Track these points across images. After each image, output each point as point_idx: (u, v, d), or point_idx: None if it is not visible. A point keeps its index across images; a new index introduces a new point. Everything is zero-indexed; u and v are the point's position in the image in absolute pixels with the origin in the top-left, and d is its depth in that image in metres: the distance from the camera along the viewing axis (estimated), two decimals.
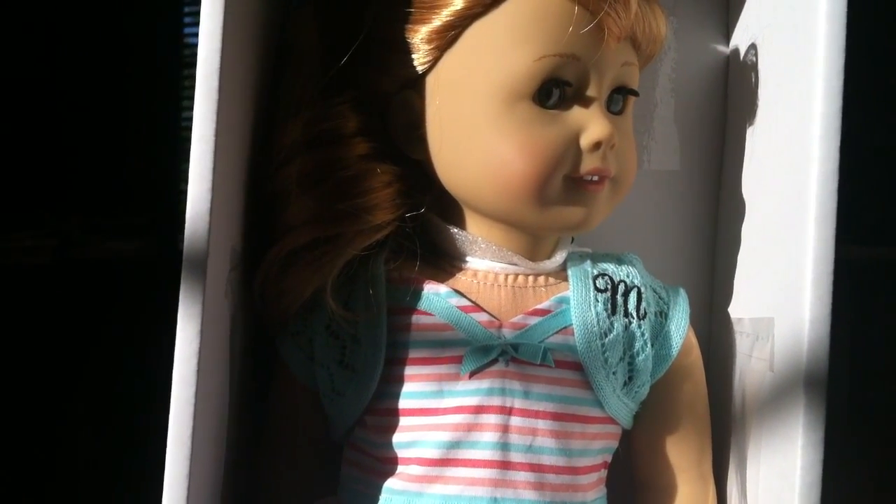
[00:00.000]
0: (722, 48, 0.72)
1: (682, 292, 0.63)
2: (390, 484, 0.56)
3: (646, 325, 0.59)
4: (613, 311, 0.59)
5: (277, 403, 0.61)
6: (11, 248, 1.60)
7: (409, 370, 0.56)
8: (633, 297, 0.60)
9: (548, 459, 0.56)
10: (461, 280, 0.59)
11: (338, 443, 0.61)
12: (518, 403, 0.56)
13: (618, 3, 0.55)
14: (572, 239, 0.63)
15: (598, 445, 0.58)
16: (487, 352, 0.56)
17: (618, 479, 0.62)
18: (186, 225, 0.49)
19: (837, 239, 0.52)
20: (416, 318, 0.57)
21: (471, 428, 0.55)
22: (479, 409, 0.55)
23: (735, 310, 0.65)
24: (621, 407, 0.58)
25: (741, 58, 0.68)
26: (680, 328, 0.61)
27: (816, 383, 0.51)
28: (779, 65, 0.60)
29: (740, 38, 0.69)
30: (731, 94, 0.71)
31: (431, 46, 0.57)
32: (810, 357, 0.51)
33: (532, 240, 0.60)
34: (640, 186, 0.67)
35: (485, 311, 0.58)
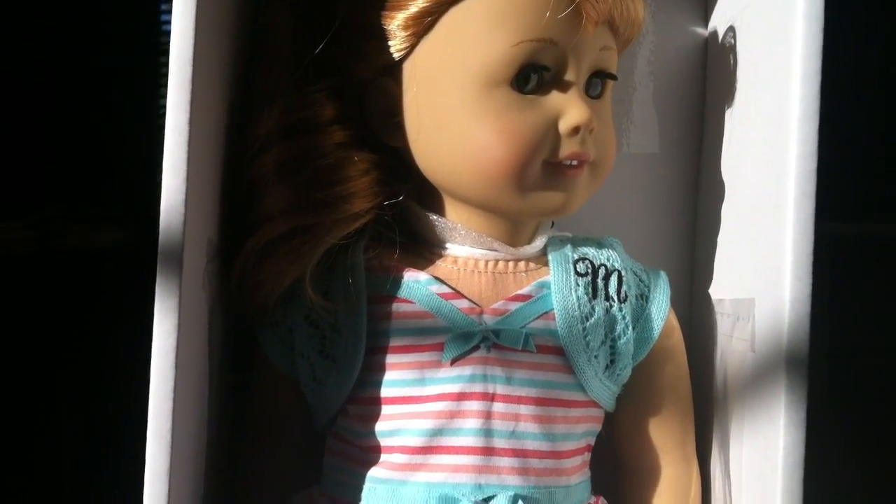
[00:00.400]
0: (700, 30, 0.72)
1: (663, 275, 0.63)
2: (374, 473, 0.56)
3: (627, 308, 0.59)
4: (594, 295, 0.59)
5: (258, 394, 0.61)
6: None
7: (390, 358, 0.56)
8: (613, 280, 0.60)
9: (531, 444, 0.56)
10: (441, 267, 0.59)
11: (320, 433, 0.60)
12: (500, 389, 0.55)
13: None
14: (552, 223, 0.63)
15: (582, 429, 0.58)
16: (469, 338, 0.56)
17: (602, 462, 0.62)
18: (161, 217, 0.49)
19: (816, 217, 0.52)
20: (396, 306, 0.57)
21: (453, 415, 0.55)
22: (461, 396, 0.55)
23: (715, 291, 0.65)
24: (603, 390, 0.58)
25: (719, 40, 0.68)
26: (661, 310, 0.61)
27: (797, 364, 0.51)
28: (757, 46, 0.60)
29: (718, 21, 0.69)
30: (709, 77, 0.71)
31: (408, 33, 0.56)
32: (791, 338, 0.51)
33: (512, 225, 0.59)
34: (620, 170, 0.67)
35: (465, 297, 0.57)
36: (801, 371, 0.51)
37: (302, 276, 0.57)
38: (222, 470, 0.60)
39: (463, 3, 0.55)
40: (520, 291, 0.58)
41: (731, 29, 0.65)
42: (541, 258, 0.61)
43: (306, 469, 0.61)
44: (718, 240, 0.65)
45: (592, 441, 0.60)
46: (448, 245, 0.59)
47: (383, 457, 0.56)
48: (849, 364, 0.88)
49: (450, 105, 0.56)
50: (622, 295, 0.59)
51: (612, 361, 0.59)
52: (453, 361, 0.56)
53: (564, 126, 0.56)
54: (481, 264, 0.59)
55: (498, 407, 0.55)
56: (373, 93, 0.59)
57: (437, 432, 0.55)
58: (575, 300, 0.58)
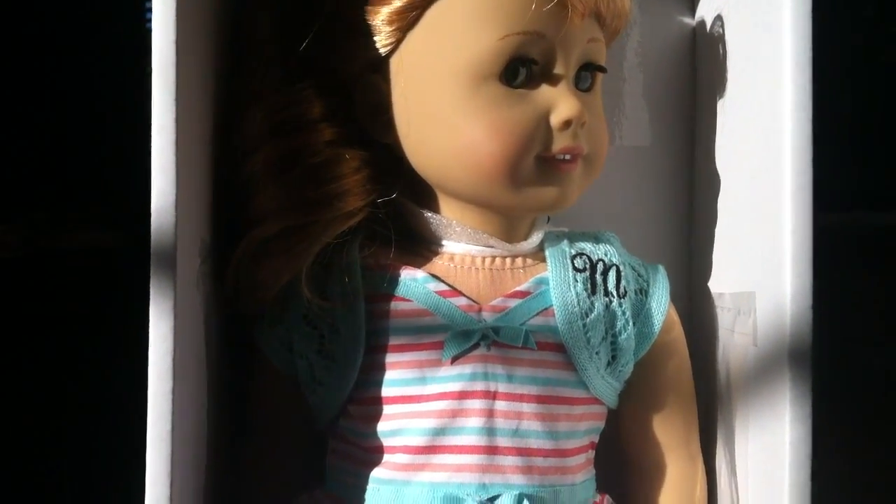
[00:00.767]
0: (688, 20, 0.72)
1: (661, 269, 0.62)
2: (377, 473, 0.55)
3: (626, 303, 0.59)
4: (593, 291, 0.58)
5: (258, 395, 0.60)
6: None
7: (389, 357, 0.55)
8: (612, 275, 0.59)
9: (535, 443, 0.55)
10: (438, 264, 0.58)
11: (322, 433, 0.59)
12: (502, 387, 0.55)
13: None
14: (548, 219, 0.62)
15: (585, 426, 0.58)
16: (468, 336, 0.55)
17: (606, 460, 0.61)
18: (152, 219, 0.48)
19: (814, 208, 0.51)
20: (394, 305, 0.56)
21: (455, 414, 0.54)
22: (462, 395, 0.54)
23: (715, 285, 0.65)
24: (606, 387, 0.58)
25: (707, 30, 0.67)
26: (661, 305, 0.60)
27: (801, 357, 0.51)
28: (746, 35, 0.59)
29: (705, 10, 0.68)
30: (699, 67, 0.71)
31: (393, 28, 0.56)
32: (793, 331, 0.51)
33: (507, 221, 0.59)
34: (613, 163, 0.66)
35: (463, 295, 0.56)
36: (804, 365, 0.51)
37: (298, 275, 0.56)
38: (223, 472, 0.59)
39: None
40: (518, 288, 0.57)
41: (719, 18, 0.65)
42: (538, 254, 0.60)
43: (308, 470, 0.60)
44: (716, 233, 0.65)
45: (596, 439, 0.60)
46: (444, 242, 0.59)
47: (386, 457, 0.55)
48: (848, 352, 0.88)
49: (438, 100, 0.55)
50: (621, 290, 0.59)
51: (613, 358, 0.58)
52: (454, 360, 0.55)
53: (556, 120, 0.55)
54: (478, 261, 0.58)
55: (500, 405, 0.54)
56: (360, 90, 0.58)
57: (440, 431, 0.54)
58: (574, 296, 0.57)
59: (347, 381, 0.55)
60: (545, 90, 0.55)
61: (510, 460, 0.54)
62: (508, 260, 0.59)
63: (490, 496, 0.54)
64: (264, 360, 0.59)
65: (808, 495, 0.50)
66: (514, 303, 0.57)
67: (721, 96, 0.64)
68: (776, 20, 0.52)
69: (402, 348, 0.55)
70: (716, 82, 0.64)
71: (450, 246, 0.58)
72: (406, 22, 0.55)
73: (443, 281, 0.57)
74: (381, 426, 0.55)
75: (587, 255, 0.59)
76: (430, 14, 0.55)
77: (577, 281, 0.58)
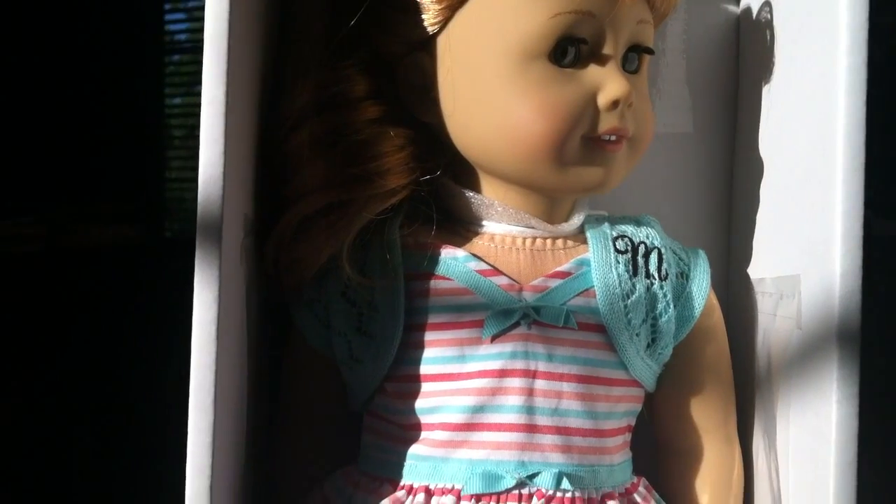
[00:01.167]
0: (732, 8, 0.71)
1: (702, 253, 0.62)
2: (415, 450, 0.55)
3: (667, 286, 0.58)
4: (635, 273, 0.58)
5: (293, 373, 0.60)
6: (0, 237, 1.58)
7: (429, 335, 0.55)
8: (653, 258, 0.59)
9: (574, 422, 0.55)
10: (478, 244, 0.58)
11: (357, 412, 0.59)
12: (542, 366, 0.54)
13: None
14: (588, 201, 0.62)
15: (623, 408, 0.57)
16: (509, 315, 0.55)
17: (641, 444, 0.61)
18: (199, 189, 0.48)
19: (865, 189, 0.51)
20: (434, 283, 0.56)
21: (495, 392, 0.54)
22: (502, 373, 0.54)
23: (755, 270, 0.64)
24: (645, 369, 0.57)
25: (753, 16, 0.67)
26: (702, 289, 0.60)
27: (849, 337, 0.50)
28: (796, 20, 0.59)
29: None
30: (742, 53, 0.70)
31: (442, 6, 0.55)
32: (842, 311, 0.50)
33: (549, 202, 0.58)
34: (653, 149, 0.65)
35: (504, 274, 0.56)
36: (853, 345, 0.50)
37: (338, 252, 0.56)
38: (259, 450, 0.59)
39: None
40: (559, 268, 0.57)
41: (767, 4, 0.64)
42: (578, 236, 0.60)
43: (343, 448, 0.60)
44: (757, 218, 0.64)
45: (633, 421, 0.59)
46: (484, 222, 0.58)
47: (424, 434, 0.55)
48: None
49: (486, 79, 0.55)
50: (663, 272, 0.58)
51: (653, 340, 0.58)
52: (493, 338, 0.55)
53: (603, 100, 0.55)
54: (519, 241, 0.58)
55: (540, 384, 0.54)
56: (406, 68, 0.58)
57: (479, 409, 0.54)
58: (615, 277, 0.57)
59: (386, 358, 0.55)
60: (593, 70, 0.55)
61: (549, 439, 0.54)
62: (549, 241, 0.58)
63: (529, 474, 0.53)
64: (300, 338, 0.59)
65: (853, 475, 0.49)
66: (554, 283, 0.56)
67: (767, 82, 0.63)
68: (831, 7, 0.51)
69: (441, 326, 0.55)
70: (761, 68, 0.64)
71: (490, 226, 0.58)
72: (456, 0, 0.55)
73: (483, 260, 0.57)
74: (420, 403, 0.55)
75: (629, 238, 0.59)
76: None
77: (618, 262, 0.57)
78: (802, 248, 0.55)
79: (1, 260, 1.58)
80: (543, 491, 0.53)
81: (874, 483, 0.52)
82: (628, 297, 0.57)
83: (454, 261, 0.56)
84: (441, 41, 0.56)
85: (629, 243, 0.59)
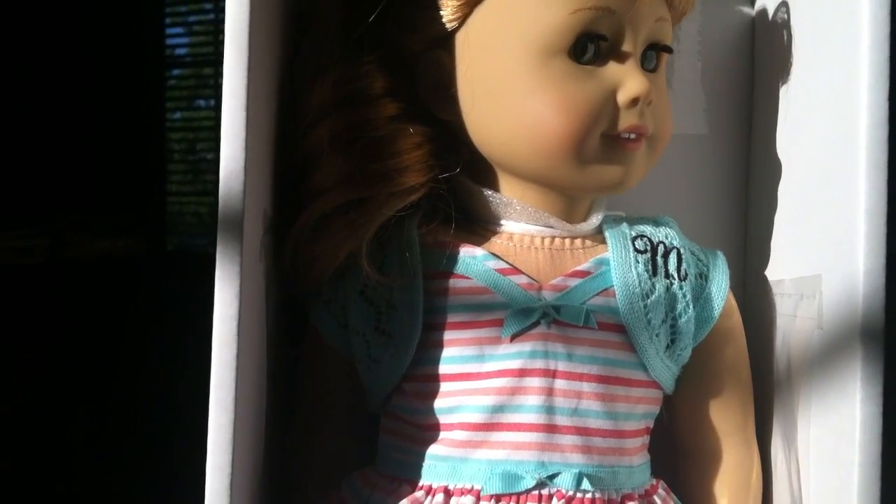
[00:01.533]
0: (747, 10, 0.71)
1: (721, 255, 0.61)
2: (433, 450, 0.54)
3: (687, 286, 0.58)
4: (654, 273, 0.57)
5: (310, 374, 0.60)
6: (2, 249, 1.58)
7: (448, 335, 0.55)
8: (672, 258, 0.58)
9: (594, 423, 0.54)
10: (496, 243, 0.57)
11: (374, 412, 0.59)
12: (562, 366, 0.54)
13: None
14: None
15: (642, 410, 0.57)
16: (528, 314, 0.54)
17: (659, 447, 0.61)
18: (221, 183, 0.47)
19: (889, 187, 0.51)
20: (453, 282, 0.55)
21: (514, 391, 0.53)
22: (522, 373, 0.54)
23: (773, 272, 0.64)
24: (664, 370, 0.57)
25: (770, 16, 0.67)
26: (721, 290, 0.59)
27: (873, 336, 0.50)
28: (815, 20, 0.59)
29: None
30: (758, 54, 0.70)
31: (461, 3, 0.55)
32: (866, 309, 0.50)
33: (568, 201, 0.58)
34: (669, 151, 0.65)
35: (523, 273, 0.56)
36: (877, 343, 0.50)
37: (357, 250, 0.55)
38: (276, 450, 0.58)
39: None
40: (578, 268, 0.57)
41: (784, 4, 0.64)
42: (597, 236, 0.59)
43: (360, 449, 0.59)
44: (775, 219, 0.64)
45: (651, 423, 0.59)
46: (503, 221, 0.58)
47: (442, 434, 0.54)
48: None
49: (505, 76, 0.54)
50: (682, 273, 0.58)
51: (672, 341, 0.57)
52: (513, 338, 0.54)
53: (623, 97, 0.54)
54: (538, 240, 0.57)
55: (560, 384, 0.54)
56: (424, 65, 0.58)
57: (499, 409, 0.53)
58: (635, 276, 0.56)
59: (404, 357, 0.55)
60: (612, 67, 0.55)
61: (569, 439, 0.54)
62: (568, 240, 0.58)
63: (549, 474, 0.53)
64: (318, 338, 0.58)
65: (878, 475, 0.49)
66: (574, 282, 0.56)
67: (784, 82, 0.63)
68: (852, 4, 0.51)
69: (460, 325, 0.55)
70: (778, 68, 0.64)
71: (509, 225, 0.58)
72: None
73: (502, 259, 0.56)
74: (438, 403, 0.55)
75: (647, 237, 0.59)
76: None
77: (638, 262, 0.57)
78: (823, 248, 0.55)
79: (3, 271, 1.58)
80: (563, 491, 0.53)
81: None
82: (648, 297, 0.56)
83: (473, 259, 0.56)
84: (460, 38, 0.56)
85: (648, 243, 0.58)
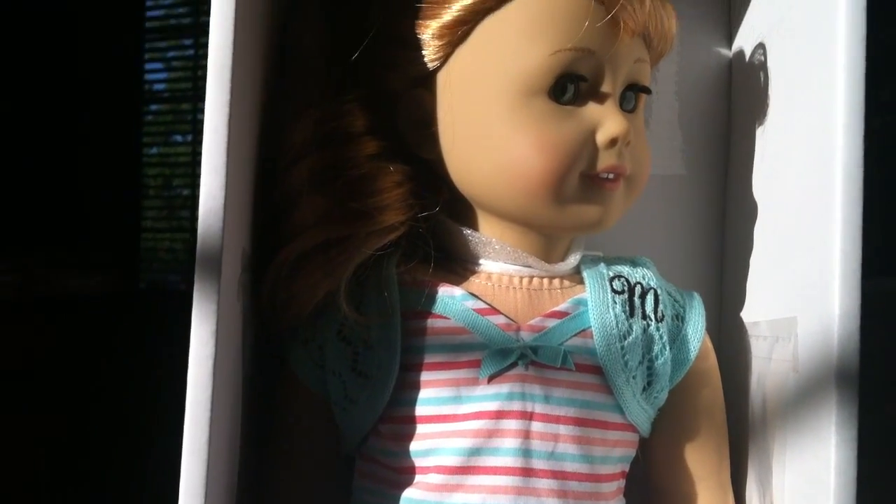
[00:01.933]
0: (724, 51, 0.72)
1: (697, 296, 0.61)
2: (409, 494, 0.54)
3: (664, 327, 0.58)
4: (632, 314, 0.57)
5: (285, 414, 0.59)
6: None
7: (425, 375, 0.54)
8: (650, 299, 0.58)
9: (570, 466, 0.54)
10: (475, 283, 0.57)
11: (349, 454, 0.58)
12: (539, 408, 0.54)
13: None
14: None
15: (618, 453, 0.57)
16: (506, 355, 0.54)
17: (634, 490, 0.60)
18: (200, 220, 0.47)
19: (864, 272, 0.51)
20: (430, 322, 0.55)
21: (491, 434, 0.53)
22: (499, 415, 0.53)
23: (748, 313, 0.64)
24: (640, 412, 0.57)
25: (747, 58, 0.67)
26: (697, 331, 0.59)
27: (848, 379, 0.50)
28: (792, 63, 0.59)
29: (746, 39, 0.68)
30: (735, 95, 0.71)
31: (442, 42, 0.56)
32: (841, 353, 0.50)
33: (546, 241, 0.58)
34: (645, 191, 0.66)
35: (502, 313, 0.56)
36: (851, 387, 0.50)
37: (335, 289, 0.55)
38: (251, 487, 0.57)
39: (499, 11, 0.54)
40: (556, 308, 0.57)
41: (761, 46, 0.65)
42: (575, 276, 0.59)
43: (335, 493, 0.59)
44: (751, 261, 0.64)
45: (627, 467, 0.58)
46: (481, 261, 0.58)
47: (418, 477, 0.54)
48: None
49: (486, 115, 0.55)
50: (659, 314, 0.58)
51: (649, 383, 0.57)
52: (490, 379, 0.54)
53: (602, 137, 0.55)
54: (516, 280, 0.57)
55: (536, 426, 0.53)
56: (405, 104, 0.58)
57: (475, 452, 0.53)
58: (613, 318, 0.56)
59: (381, 398, 0.54)
60: (592, 108, 0.55)
61: (545, 483, 0.53)
62: (546, 280, 0.58)
63: None
64: (293, 378, 0.58)
65: None
66: (552, 323, 0.56)
67: (761, 123, 0.64)
68: (829, 44, 0.52)
69: (438, 366, 0.54)
70: (755, 110, 0.64)
71: (487, 265, 0.58)
72: (456, 36, 0.55)
73: (480, 299, 0.56)
74: (414, 445, 0.54)
75: (625, 278, 0.59)
76: (481, 29, 0.55)
77: (615, 303, 0.57)
78: (799, 291, 0.55)
79: None
80: None
81: None
82: (625, 339, 0.56)
83: (451, 299, 0.56)
84: (441, 77, 0.56)
85: (626, 283, 0.58)
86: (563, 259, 0.59)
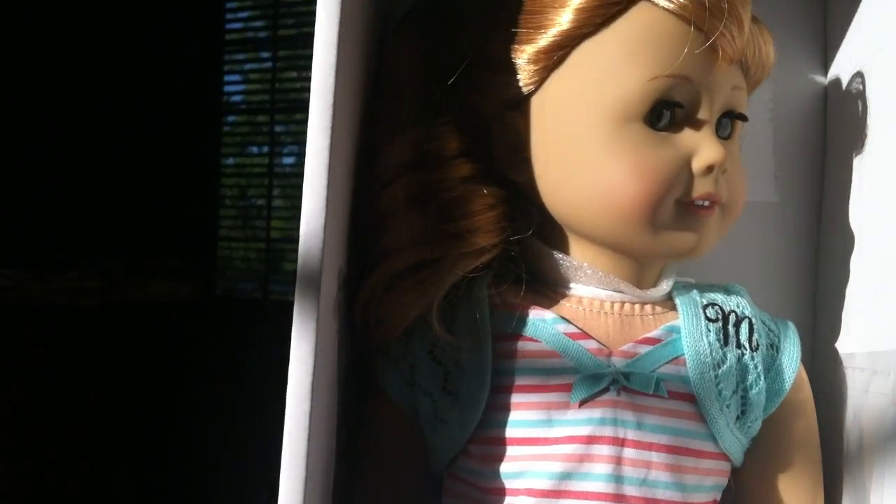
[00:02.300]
0: (820, 78, 0.71)
1: (792, 326, 0.60)
2: None
3: (758, 357, 0.57)
4: (726, 342, 0.56)
5: (375, 432, 0.59)
6: (57, 289, 1.61)
7: (515, 398, 0.54)
8: (744, 327, 0.58)
9: (663, 494, 0.53)
10: (566, 307, 0.57)
11: (438, 473, 0.58)
12: (631, 434, 0.53)
13: (732, 24, 0.54)
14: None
15: (711, 482, 0.56)
16: (598, 380, 0.54)
17: None
18: (301, 240, 0.48)
19: None
20: (521, 345, 0.55)
21: (582, 459, 0.53)
22: (590, 440, 0.53)
23: (844, 345, 0.63)
24: (734, 442, 0.56)
25: (844, 86, 0.66)
26: (792, 362, 0.58)
27: None
28: (890, 91, 0.58)
29: (842, 67, 0.67)
30: (830, 123, 0.70)
31: (538, 67, 0.56)
32: None
33: (639, 267, 0.58)
34: (739, 218, 0.65)
35: (593, 338, 0.55)
36: None
37: (427, 310, 0.55)
38: (344, 502, 0.58)
39: (596, 37, 0.54)
40: (649, 335, 0.56)
41: (860, 74, 0.64)
42: (666, 302, 0.59)
43: None
44: (846, 291, 0.63)
45: (719, 496, 0.57)
46: (572, 285, 0.58)
47: (508, 499, 0.54)
48: None
49: (580, 140, 0.55)
50: (753, 343, 0.57)
51: (742, 412, 0.56)
52: (581, 403, 0.54)
53: (698, 164, 0.54)
54: (607, 305, 0.57)
55: (628, 453, 0.53)
56: (499, 127, 0.58)
57: (566, 476, 0.53)
58: (706, 346, 0.56)
59: (471, 419, 0.54)
60: (688, 134, 0.55)
61: None
62: (637, 306, 0.58)
63: None
64: (384, 396, 0.58)
65: None
66: (644, 349, 0.56)
67: (858, 152, 0.63)
68: None
69: (528, 389, 0.54)
70: (852, 138, 0.63)
71: (578, 289, 0.58)
72: (552, 61, 0.55)
73: (572, 323, 0.56)
74: (504, 467, 0.54)
75: (719, 306, 0.58)
76: (577, 54, 0.55)
77: (709, 331, 0.56)
78: None
79: (58, 311, 1.61)
80: None
81: None
82: (719, 367, 0.55)
83: (542, 322, 0.56)
84: (535, 101, 0.57)
85: (720, 312, 0.58)
86: (654, 285, 0.59)
